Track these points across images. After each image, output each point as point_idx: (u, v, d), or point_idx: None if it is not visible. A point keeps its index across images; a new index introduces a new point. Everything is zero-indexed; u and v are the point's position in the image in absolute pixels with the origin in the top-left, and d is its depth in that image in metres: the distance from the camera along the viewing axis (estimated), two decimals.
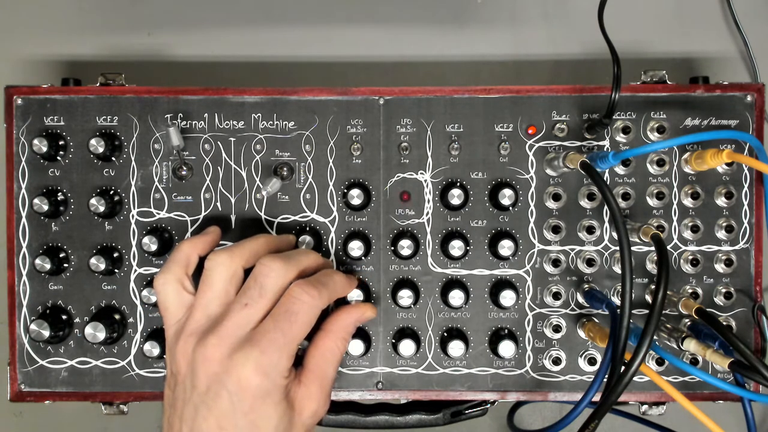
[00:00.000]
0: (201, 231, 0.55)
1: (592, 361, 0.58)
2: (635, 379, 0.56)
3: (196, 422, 0.46)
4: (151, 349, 0.57)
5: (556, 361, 0.58)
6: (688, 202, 0.58)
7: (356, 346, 0.57)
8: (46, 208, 0.57)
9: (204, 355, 0.46)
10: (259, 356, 0.45)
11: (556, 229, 0.58)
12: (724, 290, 0.58)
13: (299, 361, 0.50)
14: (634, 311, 0.55)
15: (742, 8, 0.70)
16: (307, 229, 0.58)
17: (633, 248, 0.57)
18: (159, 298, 0.51)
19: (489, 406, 0.62)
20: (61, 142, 0.58)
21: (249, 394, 0.45)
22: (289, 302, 0.48)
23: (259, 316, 0.48)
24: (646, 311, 0.57)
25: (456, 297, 0.57)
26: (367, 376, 0.59)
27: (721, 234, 0.58)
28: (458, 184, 0.58)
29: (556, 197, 0.58)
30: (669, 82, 0.59)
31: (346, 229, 0.59)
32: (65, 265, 0.58)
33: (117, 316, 0.58)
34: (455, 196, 0.57)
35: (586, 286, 0.58)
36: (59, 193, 0.58)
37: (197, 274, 0.51)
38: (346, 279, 0.54)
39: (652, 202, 0.58)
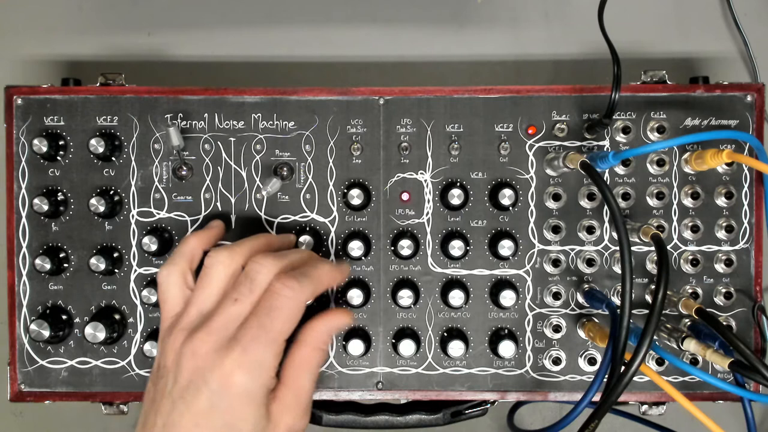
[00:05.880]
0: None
1: (592, 361, 0.58)
2: (635, 379, 0.56)
3: (171, 417, 0.44)
4: (151, 349, 0.57)
5: (556, 361, 0.58)
6: (688, 202, 0.58)
7: (356, 346, 0.57)
8: (46, 208, 0.57)
9: (192, 349, 0.45)
10: (241, 354, 0.44)
11: (556, 229, 0.58)
12: (724, 290, 0.58)
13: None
14: (634, 311, 0.55)
15: (742, 8, 0.70)
16: (307, 229, 0.58)
17: (633, 248, 0.57)
18: (160, 289, 0.50)
19: (489, 406, 0.62)
20: (61, 142, 0.58)
21: (230, 393, 0.44)
22: (271, 298, 0.46)
23: (249, 312, 0.47)
24: (646, 311, 0.57)
25: (456, 297, 0.57)
26: (367, 376, 0.59)
27: (721, 234, 0.58)
28: (458, 184, 0.58)
29: (556, 197, 0.58)
30: (669, 82, 0.59)
31: (346, 229, 0.58)
32: (65, 265, 0.58)
33: (117, 316, 0.58)
34: (455, 196, 0.57)
35: (586, 286, 0.58)
36: (59, 193, 0.58)
37: (197, 270, 0.51)
38: (335, 268, 0.51)
39: (652, 202, 0.58)
